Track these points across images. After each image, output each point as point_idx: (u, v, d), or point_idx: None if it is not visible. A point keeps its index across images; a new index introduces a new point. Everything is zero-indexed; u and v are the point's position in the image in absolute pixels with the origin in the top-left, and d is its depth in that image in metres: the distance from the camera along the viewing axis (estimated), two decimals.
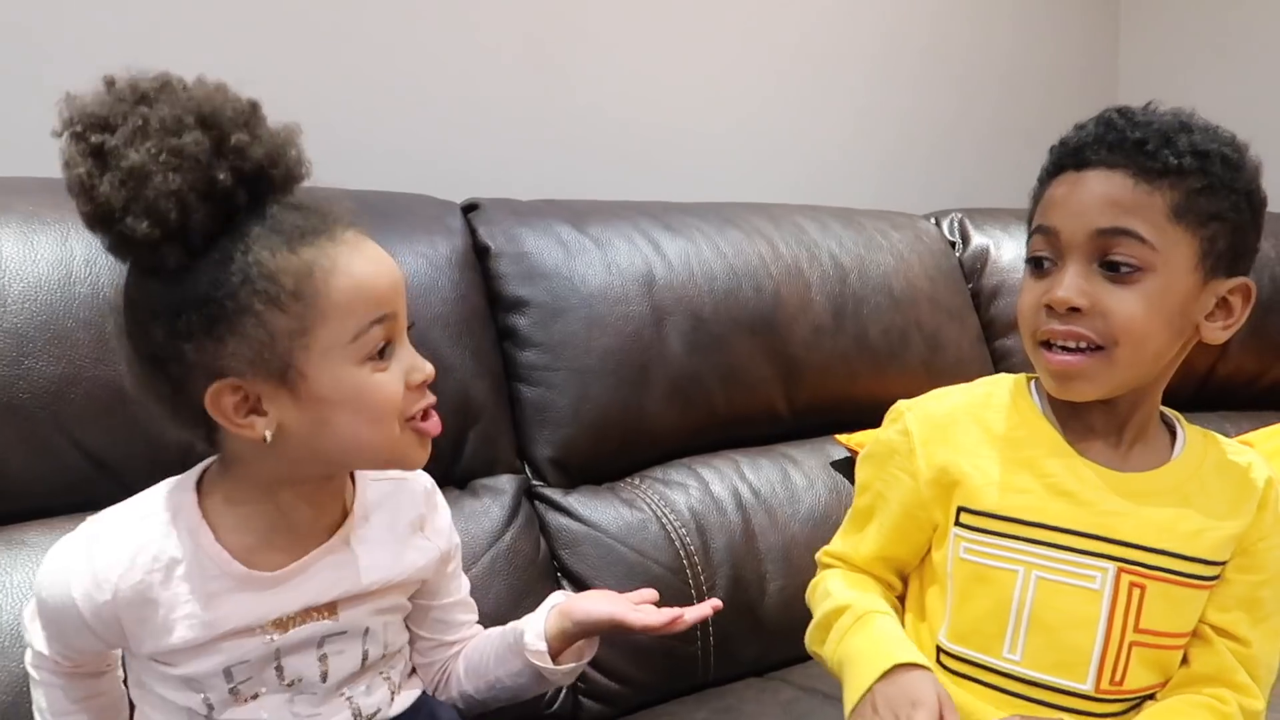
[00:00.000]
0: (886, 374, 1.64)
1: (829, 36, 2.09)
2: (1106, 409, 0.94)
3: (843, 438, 1.57)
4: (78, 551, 0.82)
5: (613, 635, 1.03)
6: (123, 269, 0.82)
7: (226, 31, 1.40)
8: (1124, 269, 0.88)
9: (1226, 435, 1.02)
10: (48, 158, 1.23)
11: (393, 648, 0.93)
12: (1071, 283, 0.88)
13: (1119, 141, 0.89)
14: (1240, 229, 0.90)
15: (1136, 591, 0.91)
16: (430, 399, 0.86)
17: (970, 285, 1.86)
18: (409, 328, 0.86)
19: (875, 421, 1.09)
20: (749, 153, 1.99)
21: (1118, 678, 0.92)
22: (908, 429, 1.00)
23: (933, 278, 1.75)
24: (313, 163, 0.82)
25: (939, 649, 0.97)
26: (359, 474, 0.92)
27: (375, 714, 0.91)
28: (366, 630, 0.90)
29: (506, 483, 1.33)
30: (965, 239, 1.90)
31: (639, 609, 0.98)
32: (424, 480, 0.98)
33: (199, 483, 0.86)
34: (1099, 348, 0.89)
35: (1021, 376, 1.02)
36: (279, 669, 0.85)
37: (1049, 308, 0.90)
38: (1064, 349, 0.90)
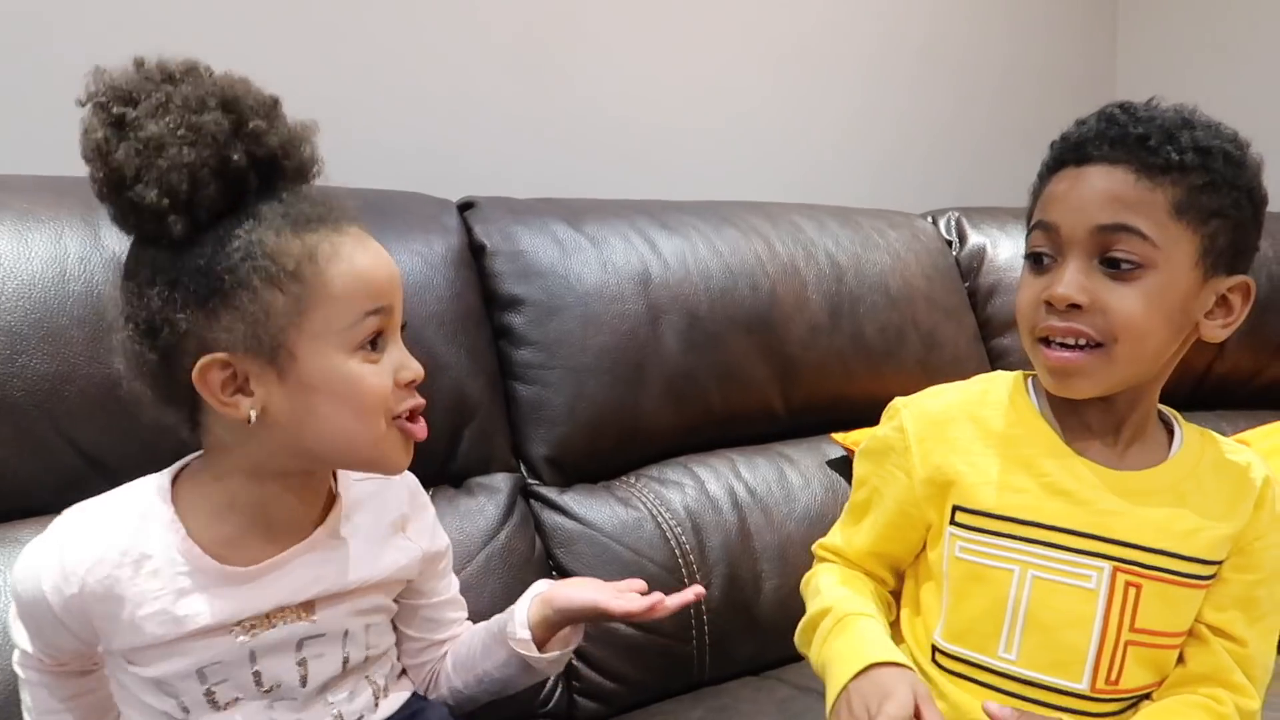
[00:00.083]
0: (883, 373, 1.63)
1: (826, 35, 2.09)
2: (1104, 407, 0.94)
3: (839, 436, 1.57)
4: (50, 545, 0.81)
5: (596, 623, 1.02)
6: (117, 266, 0.83)
7: (221, 28, 1.40)
8: (1124, 266, 0.87)
9: (1223, 434, 1.02)
10: (41, 156, 1.24)
11: (375, 650, 0.92)
12: (1072, 279, 0.88)
13: (1121, 137, 0.88)
14: (1241, 226, 0.90)
15: (1132, 591, 0.91)
16: (418, 400, 0.85)
17: (967, 284, 1.85)
18: (402, 328, 0.86)
19: (872, 420, 1.09)
20: (746, 151, 1.99)
21: (1113, 677, 0.92)
22: (903, 426, 1.00)
23: (929, 276, 1.75)
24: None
25: (934, 648, 0.97)
26: (342, 472, 0.91)
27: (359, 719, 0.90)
28: (346, 632, 0.88)
29: (502, 481, 1.33)
30: (962, 238, 1.90)
31: (621, 595, 0.97)
32: (409, 480, 0.97)
33: (176, 478, 0.86)
34: (1098, 345, 0.88)
35: (1018, 374, 1.01)
36: (256, 674, 0.84)
37: (1048, 304, 0.89)
38: (1063, 346, 0.90)
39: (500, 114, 1.69)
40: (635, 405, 1.41)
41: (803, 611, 1.03)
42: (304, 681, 0.86)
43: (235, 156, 0.77)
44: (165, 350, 0.79)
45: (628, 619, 0.96)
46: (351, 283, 0.80)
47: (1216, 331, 0.92)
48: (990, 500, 0.94)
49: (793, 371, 1.56)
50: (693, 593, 0.97)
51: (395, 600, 0.96)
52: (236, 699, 0.84)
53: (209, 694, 0.83)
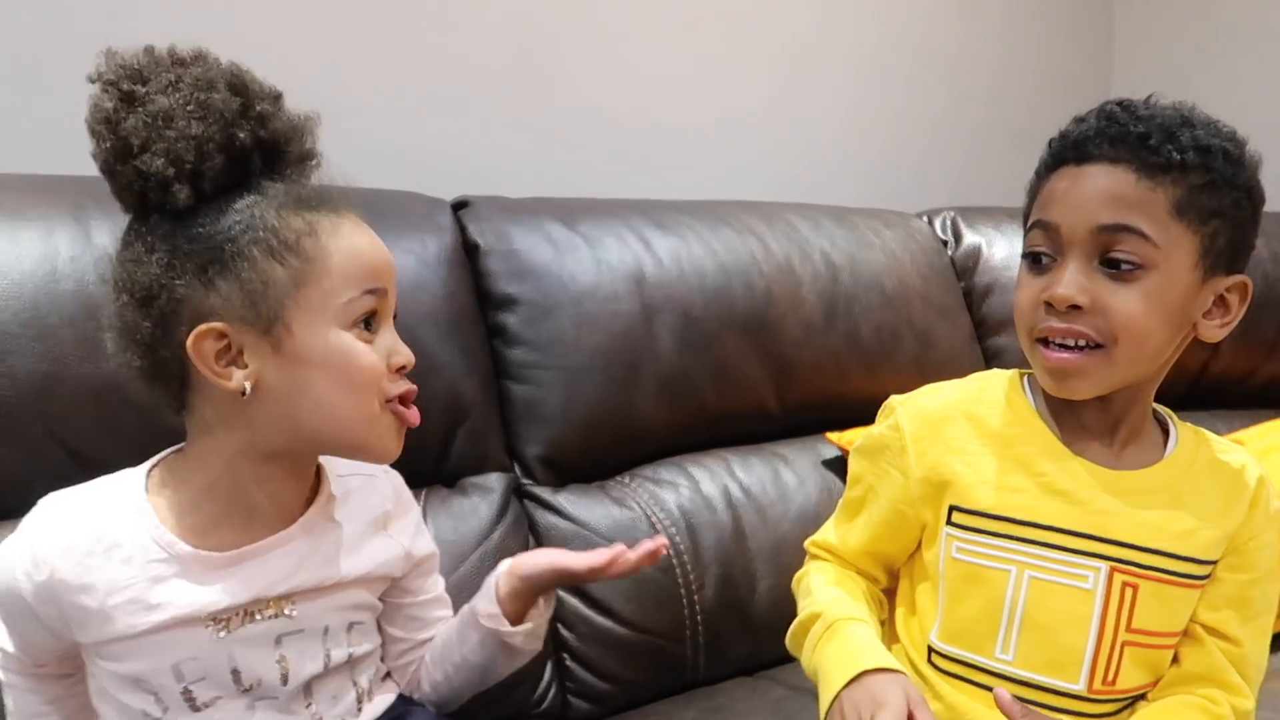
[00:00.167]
0: (878, 372, 1.63)
1: (821, 34, 2.09)
2: (1101, 407, 0.93)
3: (834, 436, 1.57)
4: (22, 533, 0.81)
5: (563, 584, 0.99)
6: (109, 264, 0.83)
7: (212, 25, 1.40)
8: (1125, 266, 0.86)
9: (1218, 434, 1.02)
10: (31, 154, 1.23)
11: (360, 650, 0.91)
12: (1072, 279, 0.87)
13: (1121, 136, 0.87)
14: (1240, 226, 0.89)
15: (1129, 591, 0.91)
16: (411, 386, 0.86)
17: (962, 284, 1.85)
18: (394, 317, 0.87)
19: (867, 420, 1.08)
20: (741, 150, 1.99)
21: (1110, 678, 0.91)
22: (899, 425, 0.99)
23: (925, 276, 1.75)
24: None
25: (930, 648, 0.96)
26: (327, 466, 0.91)
27: None
28: (326, 629, 0.87)
29: (495, 481, 1.33)
30: (958, 237, 1.90)
31: (583, 553, 0.96)
32: (394, 478, 0.97)
33: (153, 470, 0.86)
34: (1098, 346, 0.88)
35: (1014, 372, 1.01)
36: (235, 672, 0.83)
37: (1048, 304, 0.89)
38: (1062, 346, 0.89)
39: (495, 113, 1.69)
40: (630, 405, 1.41)
41: (796, 612, 1.03)
42: (285, 680, 0.85)
43: (241, 135, 0.79)
44: (160, 318, 0.79)
45: (593, 575, 0.95)
46: (350, 260, 0.81)
47: (1215, 331, 0.92)
48: (987, 500, 0.93)
49: (788, 371, 1.55)
50: (656, 543, 0.95)
51: (381, 599, 0.95)
52: (216, 699, 0.83)
53: (186, 693, 0.82)
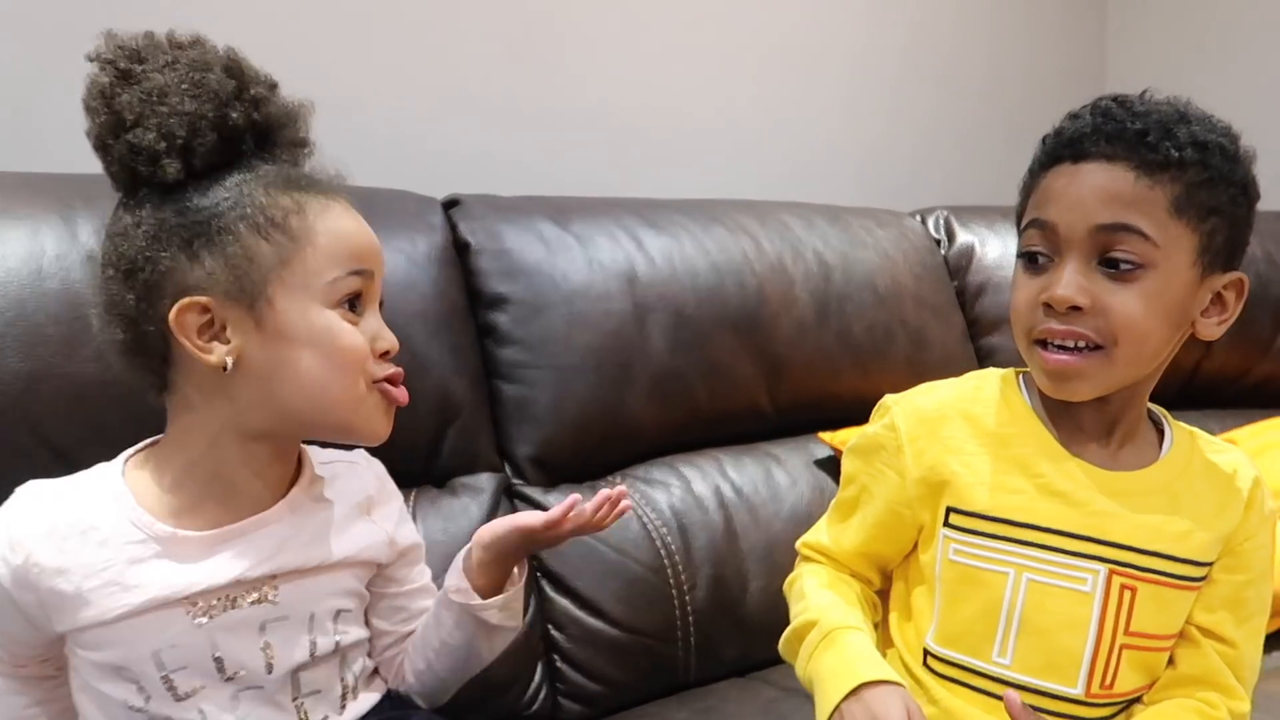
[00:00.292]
0: (870, 372, 1.63)
1: (814, 32, 2.08)
2: (1098, 407, 0.92)
3: (826, 436, 1.56)
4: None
5: (529, 548, 0.97)
6: (94, 260, 0.83)
7: (204, 20, 1.38)
8: (1124, 266, 0.85)
9: (1211, 433, 1.01)
10: (18, 153, 1.22)
11: (346, 639, 0.90)
12: (1071, 280, 0.86)
13: (1118, 132, 0.86)
14: (1237, 223, 0.88)
15: (1128, 594, 0.90)
16: (396, 369, 0.86)
17: (955, 283, 1.85)
18: (380, 306, 0.87)
19: (860, 419, 1.08)
20: (734, 149, 1.99)
21: (1108, 681, 0.91)
22: (895, 425, 0.98)
23: (918, 275, 1.75)
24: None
25: (926, 651, 0.95)
26: (309, 453, 0.90)
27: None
28: (311, 616, 0.86)
29: (486, 481, 1.32)
30: (951, 236, 1.90)
31: (532, 513, 0.94)
32: (375, 466, 0.97)
33: (131, 456, 0.86)
34: (1097, 347, 0.87)
35: (1010, 371, 1.00)
36: (218, 660, 0.82)
37: (1047, 306, 0.87)
38: (1061, 348, 0.88)
39: (486, 111, 1.68)
40: (621, 404, 1.40)
41: (789, 614, 1.02)
42: (270, 668, 0.84)
43: (235, 115, 0.80)
44: (144, 290, 0.79)
45: (550, 529, 0.92)
46: (336, 240, 0.82)
47: (1213, 329, 0.91)
48: (985, 502, 0.92)
49: (780, 370, 1.55)
50: (616, 491, 0.93)
51: (367, 589, 0.94)
52: (198, 688, 0.82)
53: (167, 681, 0.81)
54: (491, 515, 1.29)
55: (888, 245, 1.73)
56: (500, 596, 0.95)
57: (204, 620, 0.81)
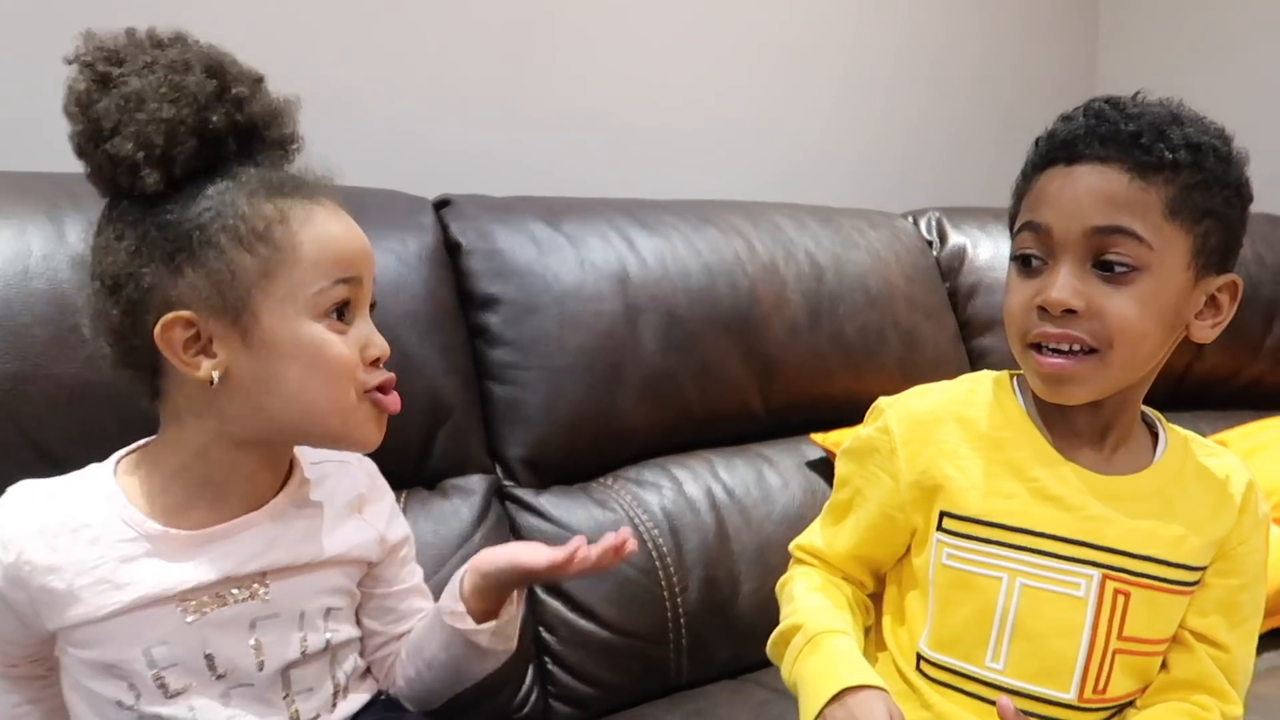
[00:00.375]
0: (863, 373, 1.62)
1: (806, 33, 2.08)
2: (1092, 411, 0.92)
3: (818, 437, 1.56)
4: None
5: (525, 583, 0.96)
6: (82, 263, 0.83)
7: (193, 15, 1.38)
8: (1119, 269, 0.85)
9: (1202, 434, 1.01)
10: (4, 151, 1.21)
11: (337, 638, 0.89)
12: (1066, 283, 0.85)
13: (1112, 134, 0.86)
14: (1231, 225, 0.88)
15: (1121, 599, 0.89)
16: (388, 375, 0.85)
17: (947, 284, 1.85)
18: (372, 307, 0.86)
19: (852, 421, 1.07)
20: (726, 150, 1.98)
21: (1101, 686, 0.90)
22: (889, 428, 0.97)
23: (910, 276, 1.74)
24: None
25: (919, 656, 0.95)
26: (300, 454, 0.90)
27: (315, 718, 0.87)
28: (302, 614, 0.86)
29: (477, 483, 1.31)
30: (943, 238, 1.90)
31: (538, 550, 0.92)
32: (367, 464, 0.96)
33: (123, 457, 0.86)
34: (1092, 350, 0.86)
35: (1004, 374, 0.99)
36: (209, 658, 0.82)
37: (1041, 309, 0.87)
38: (1055, 351, 0.87)
39: (478, 110, 1.67)
40: (613, 406, 1.40)
41: (780, 617, 1.02)
42: (261, 666, 0.84)
43: (215, 118, 0.78)
44: (128, 306, 0.79)
45: (553, 572, 0.91)
46: (321, 248, 0.80)
47: (1207, 332, 0.91)
48: (979, 506, 0.92)
49: (772, 371, 1.55)
50: (619, 537, 0.91)
51: (359, 588, 0.94)
52: (189, 686, 0.82)
53: (159, 679, 0.81)
54: (483, 517, 1.28)
55: (880, 246, 1.73)
56: (494, 623, 0.94)
57: (194, 618, 0.81)
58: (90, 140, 0.78)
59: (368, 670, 0.97)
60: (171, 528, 0.81)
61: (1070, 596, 0.90)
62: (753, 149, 2.02)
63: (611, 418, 1.40)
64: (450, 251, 1.38)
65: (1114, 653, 0.90)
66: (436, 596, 1.02)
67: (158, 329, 0.77)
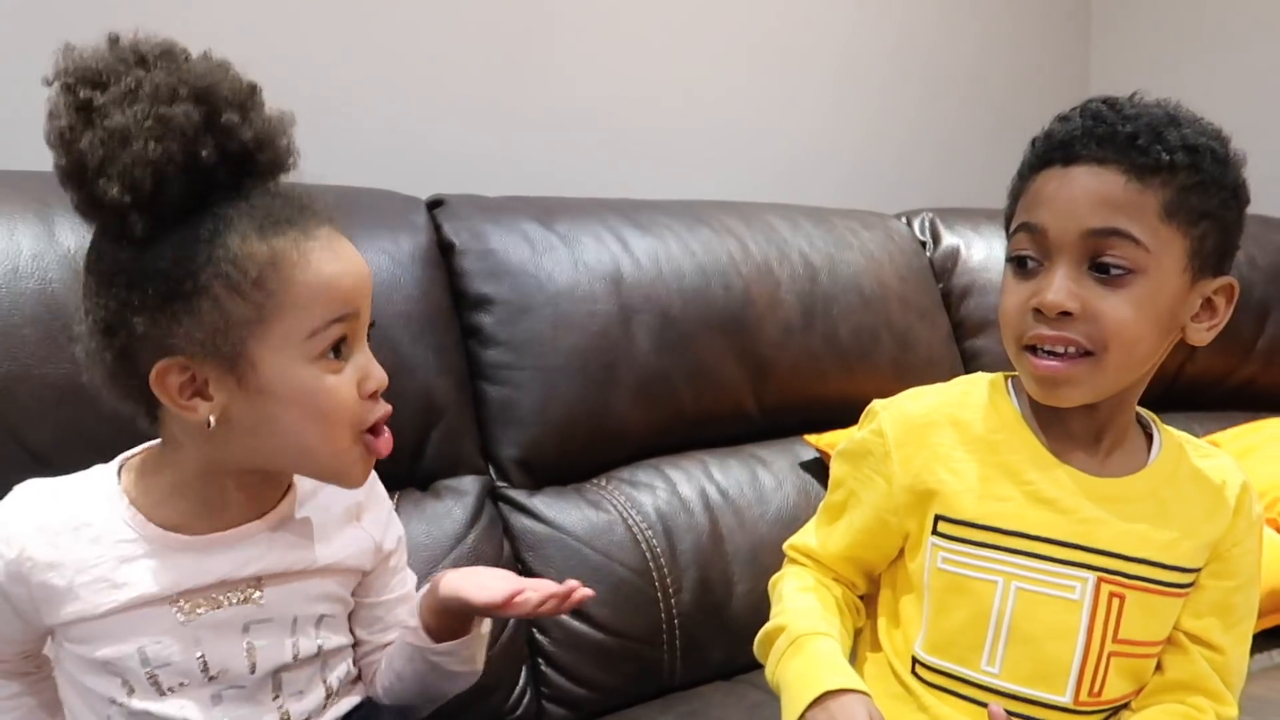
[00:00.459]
0: (856, 374, 1.62)
1: (799, 34, 2.08)
2: (1087, 413, 0.92)
3: (812, 438, 1.56)
4: None
5: (469, 612, 0.93)
6: (72, 263, 0.82)
7: (189, 18, 1.37)
8: (1115, 271, 0.85)
9: (1194, 435, 1.01)
10: None
11: (329, 645, 0.89)
12: (1062, 285, 0.85)
13: (1109, 135, 0.85)
14: (1228, 227, 0.88)
15: (1116, 601, 0.89)
16: (385, 409, 0.84)
17: (941, 285, 1.84)
18: (370, 327, 0.84)
19: (845, 422, 1.07)
20: (720, 150, 1.98)
21: (1096, 689, 0.90)
22: (883, 431, 0.97)
23: (903, 277, 1.74)
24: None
25: (915, 660, 0.95)
26: None
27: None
28: (295, 619, 0.86)
29: (470, 484, 1.31)
30: (936, 239, 1.89)
31: (485, 586, 0.89)
32: None
33: (126, 461, 0.86)
34: (1087, 353, 0.86)
35: (999, 376, 0.99)
36: (202, 659, 0.82)
37: (1037, 311, 0.87)
38: (1050, 354, 0.87)
39: (471, 110, 1.67)
40: (606, 406, 1.40)
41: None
42: (252, 668, 0.84)
43: (204, 152, 0.75)
44: (122, 351, 0.78)
45: (488, 610, 0.90)
46: (316, 291, 0.78)
47: (1202, 334, 0.91)
48: (974, 510, 0.91)
49: (766, 372, 1.54)
50: (566, 587, 0.88)
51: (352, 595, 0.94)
52: (181, 685, 0.82)
53: (152, 677, 0.81)
54: (476, 518, 1.28)
55: (873, 247, 1.73)
56: (451, 643, 0.93)
57: (189, 619, 0.82)
58: (74, 177, 0.75)
59: (359, 676, 0.96)
60: (171, 531, 0.82)
61: (1065, 600, 0.89)
62: (746, 149, 2.02)
63: (605, 418, 1.40)
64: (444, 251, 1.37)
65: (1109, 655, 0.90)
66: None
67: (153, 375, 0.77)
